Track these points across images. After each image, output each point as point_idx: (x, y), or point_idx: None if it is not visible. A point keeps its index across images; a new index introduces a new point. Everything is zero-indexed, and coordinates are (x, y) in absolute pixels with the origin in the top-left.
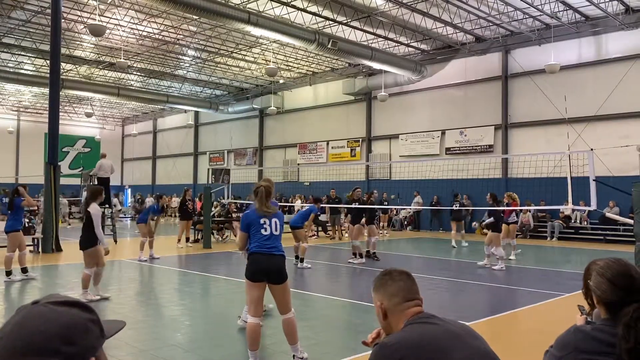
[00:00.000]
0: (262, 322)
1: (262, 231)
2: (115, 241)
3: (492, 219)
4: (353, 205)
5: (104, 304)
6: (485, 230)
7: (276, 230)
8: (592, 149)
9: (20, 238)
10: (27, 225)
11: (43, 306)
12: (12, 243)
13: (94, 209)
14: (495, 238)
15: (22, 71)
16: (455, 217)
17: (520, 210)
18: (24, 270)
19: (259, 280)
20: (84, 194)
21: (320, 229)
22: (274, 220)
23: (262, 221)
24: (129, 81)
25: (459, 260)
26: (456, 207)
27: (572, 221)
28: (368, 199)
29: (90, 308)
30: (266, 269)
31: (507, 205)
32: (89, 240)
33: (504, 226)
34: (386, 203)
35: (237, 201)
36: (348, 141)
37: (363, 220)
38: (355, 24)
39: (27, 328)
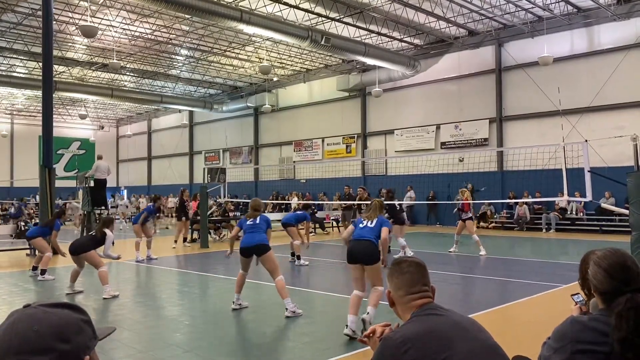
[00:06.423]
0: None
1: (360, 225)
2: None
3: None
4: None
5: (103, 305)
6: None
7: (371, 224)
8: (586, 140)
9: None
10: (22, 229)
11: (34, 308)
12: (41, 246)
13: (109, 233)
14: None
15: (15, 74)
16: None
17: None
18: (41, 271)
19: (351, 262)
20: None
21: (317, 226)
22: (374, 220)
23: (363, 218)
24: (122, 82)
25: (455, 254)
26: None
27: (568, 212)
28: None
29: (82, 309)
30: (353, 252)
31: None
32: (84, 246)
33: (459, 223)
34: None
35: (234, 200)
36: (343, 137)
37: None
38: (348, 20)
39: (20, 328)
